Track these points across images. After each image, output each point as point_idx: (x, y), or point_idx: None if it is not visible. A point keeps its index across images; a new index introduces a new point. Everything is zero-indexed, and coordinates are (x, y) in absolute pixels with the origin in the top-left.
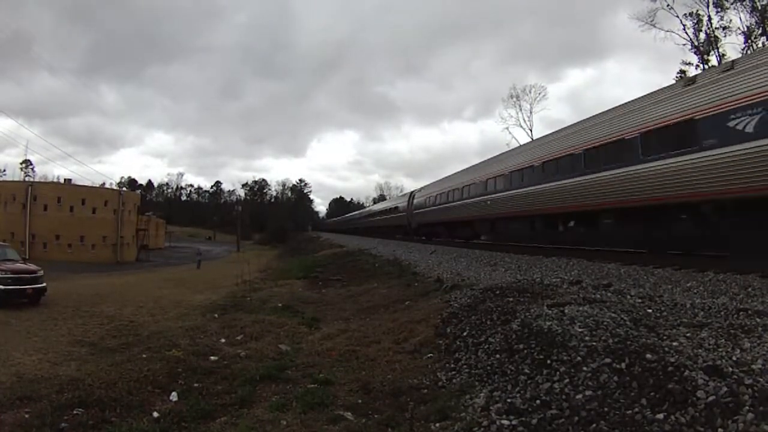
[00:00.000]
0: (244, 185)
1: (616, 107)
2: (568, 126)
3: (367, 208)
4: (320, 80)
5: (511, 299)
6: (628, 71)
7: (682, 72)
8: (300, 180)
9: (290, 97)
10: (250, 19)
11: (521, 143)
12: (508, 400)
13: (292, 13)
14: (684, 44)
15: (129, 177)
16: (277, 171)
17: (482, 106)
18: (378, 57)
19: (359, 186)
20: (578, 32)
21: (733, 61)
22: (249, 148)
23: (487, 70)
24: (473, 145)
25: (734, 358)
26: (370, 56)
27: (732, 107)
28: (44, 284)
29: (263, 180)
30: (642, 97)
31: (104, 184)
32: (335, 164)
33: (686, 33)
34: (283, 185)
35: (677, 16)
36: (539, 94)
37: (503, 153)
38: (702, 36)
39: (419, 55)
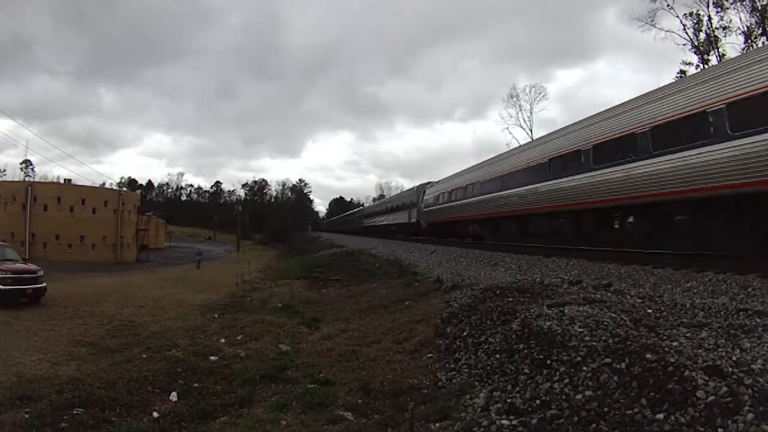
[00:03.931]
0: (244, 185)
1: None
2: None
3: (369, 207)
4: (312, 81)
5: (511, 299)
6: (619, 71)
7: (683, 72)
8: (300, 180)
9: (284, 98)
10: (241, 21)
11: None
12: (508, 400)
13: (280, 14)
14: (684, 44)
15: (129, 177)
16: (275, 171)
17: (473, 107)
18: (367, 58)
19: (357, 185)
20: (567, 32)
21: None
22: (246, 148)
23: (476, 71)
24: (467, 145)
25: (734, 358)
26: (360, 57)
27: None
28: (44, 284)
29: (263, 180)
30: None
31: (104, 184)
32: (332, 164)
33: (686, 33)
34: (283, 185)
35: (677, 16)
36: (539, 93)
37: (558, 130)
38: (702, 36)
39: (408, 56)
